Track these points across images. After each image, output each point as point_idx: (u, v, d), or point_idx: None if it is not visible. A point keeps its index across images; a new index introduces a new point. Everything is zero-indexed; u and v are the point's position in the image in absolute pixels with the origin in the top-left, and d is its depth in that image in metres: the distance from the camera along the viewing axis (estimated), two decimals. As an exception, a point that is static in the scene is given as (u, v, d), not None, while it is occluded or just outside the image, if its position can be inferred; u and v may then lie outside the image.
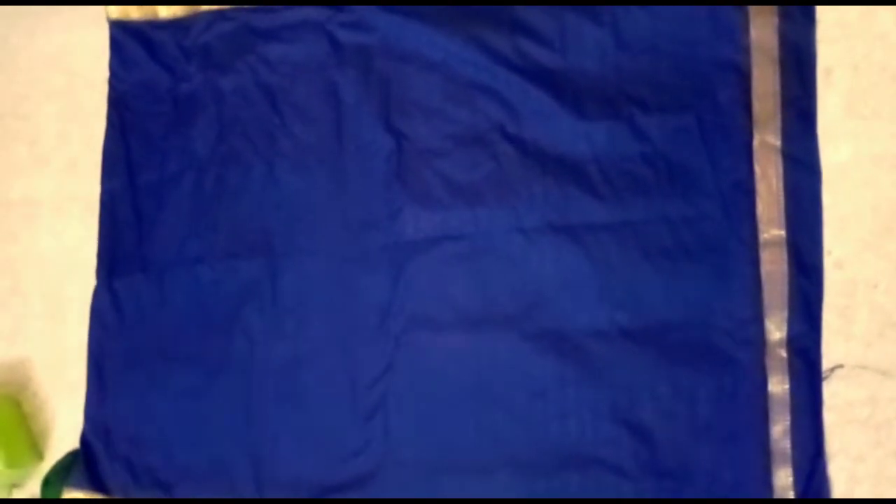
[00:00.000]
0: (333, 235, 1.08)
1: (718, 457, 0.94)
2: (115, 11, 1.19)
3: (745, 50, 0.97)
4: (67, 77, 1.23)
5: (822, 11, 0.96)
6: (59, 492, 1.09)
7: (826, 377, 0.94)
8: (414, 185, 1.06)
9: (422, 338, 1.03)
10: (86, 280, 1.14)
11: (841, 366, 0.94)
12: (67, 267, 1.20)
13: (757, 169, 0.96)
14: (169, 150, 1.15)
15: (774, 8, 0.97)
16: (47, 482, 1.09)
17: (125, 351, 1.13)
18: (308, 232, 1.09)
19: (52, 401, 1.19)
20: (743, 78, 0.97)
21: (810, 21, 0.96)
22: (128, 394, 1.12)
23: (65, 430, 1.16)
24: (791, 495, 0.93)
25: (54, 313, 1.20)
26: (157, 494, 1.09)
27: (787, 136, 0.96)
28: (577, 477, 0.98)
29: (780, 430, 0.93)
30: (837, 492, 0.94)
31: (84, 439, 1.12)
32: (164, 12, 1.18)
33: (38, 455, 1.17)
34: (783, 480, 0.93)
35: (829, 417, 0.93)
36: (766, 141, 0.96)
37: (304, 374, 1.07)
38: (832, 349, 0.94)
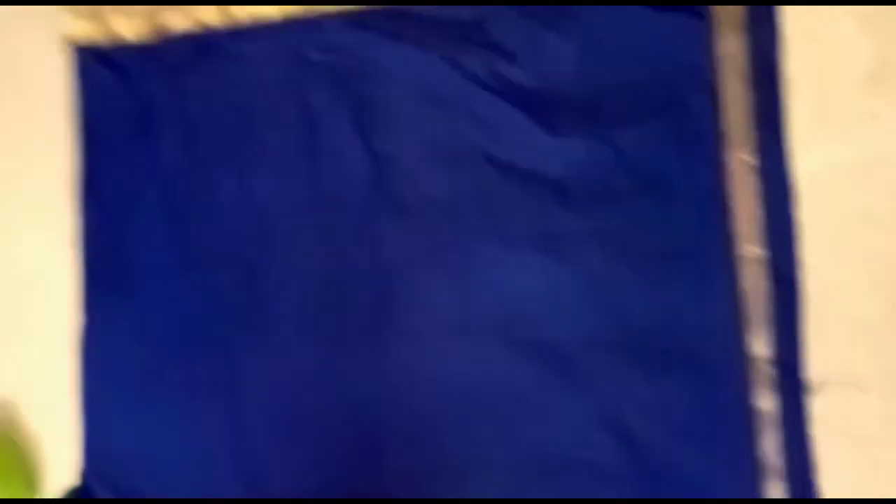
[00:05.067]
0: (311, 254, 1.07)
1: (706, 467, 0.96)
2: (76, 31, 1.17)
3: (714, 62, 0.99)
4: (31, 98, 1.21)
5: (787, 23, 0.98)
6: None
7: (812, 391, 0.95)
8: (393, 202, 1.06)
9: (407, 348, 1.04)
10: (60, 304, 1.13)
11: (822, 381, 0.96)
12: (40, 292, 1.18)
13: (733, 186, 0.97)
14: (136, 167, 1.14)
15: (740, 19, 0.98)
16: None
17: (112, 377, 1.11)
18: (285, 244, 1.08)
19: (46, 433, 1.17)
20: (713, 92, 0.98)
21: (776, 31, 0.98)
22: (111, 414, 1.11)
23: (60, 462, 1.14)
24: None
25: (42, 343, 1.17)
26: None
27: (759, 151, 0.97)
28: (564, 480, 0.99)
29: (771, 445, 0.95)
30: None
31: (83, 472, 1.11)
32: (128, 33, 1.16)
33: (33, 488, 1.15)
34: (777, 495, 0.95)
35: (814, 431, 0.95)
36: (740, 157, 0.97)
37: (289, 386, 1.06)
38: (811, 361, 0.95)
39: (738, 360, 0.96)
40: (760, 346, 0.96)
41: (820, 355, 0.96)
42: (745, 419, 0.96)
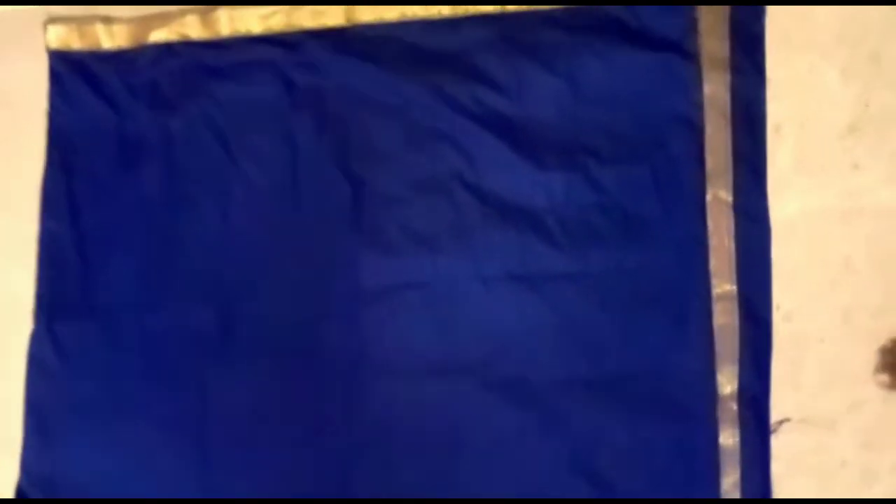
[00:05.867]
0: (290, 282, 1.05)
1: None
2: (55, 41, 1.15)
3: (699, 104, 0.99)
4: (4, 110, 1.18)
5: (771, 69, 0.99)
6: None
7: (774, 430, 0.96)
8: (372, 231, 1.04)
9: (383, 385, 1.02)
10: (20, 325, 1.09)
11: (788, 419, 0.97)
12: (8, 313, 1.13)
13: (710, 224, 0.98)
14: (115, 192, 1.10)
15: (727, 64, 0.99)
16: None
17: (69, 400, 1.07)
18: (263, 278, 1.06)
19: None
20: (696, 132, 0.99)
21: (761, 78, 0.99)
22: (73, 444, 1.07)
23: (6, 486, 1.10)
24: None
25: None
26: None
27: (738, 191, 0.98)
28: None
29: (730, 482, 0.96)
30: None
31: (20, 491, 1.07)
32: (108, 44, 1.14)
33: None
34: None
35: (777, 468, 0.96)
36: (719, 196, 0.98)
37: (261, 425, 1.04)
38: (780, 401, 0.96)
39: (712, 401, 0.97)
40: (727, 382, 0.97)
41: (793, 397, 0.97)
42: (715, 460, 0.96)
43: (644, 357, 0.98)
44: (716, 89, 0.99)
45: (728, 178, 0.98)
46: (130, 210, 1.10)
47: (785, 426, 0.97)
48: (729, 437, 0.96)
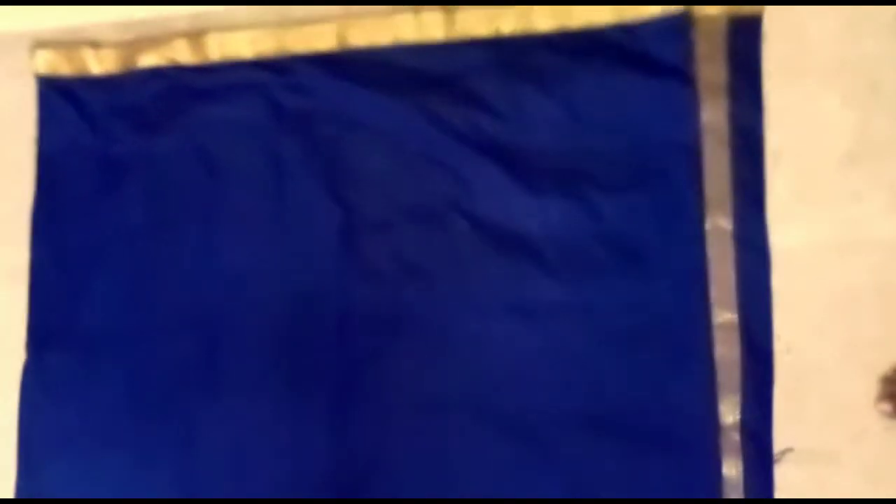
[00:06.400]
0: (277, 311, 1.03)
1: None
2: (43, 66, 1.13)
3: (697, 132, 0.98)
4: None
5: (769, 97, 0.97)
6: None
7: (778, 460, 0.95)
8: (362, 259, 1.03)
9: (373, 420, 1.00)
10: (10, 353, 1.07)
11: (792, 448, 0.95)
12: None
13: (710, 253, 0.96)
14: (99, 217, 1.09)
15: (725, 90, 0.98)
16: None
17: (55, 430, 1.06)
18: (249, 307, 1.04)
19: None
20: (695, 160, 0.97)
21: (759, 105, 0.97)
22: (59, 475, 1.05)
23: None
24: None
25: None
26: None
27: (738, 219, 0.96)
28: None
29: None
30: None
31: None
32: (96, 69, 1.12)
33: None
34: None
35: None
36: (719, 224, 0.96)
37: (249, 459, 1.02)
38: (782, 432, 0.94)
39: (713, 433, 0.95)
40: (729, 413, 0.95)
41: (794, 428, 0.95)
42: (718, 490, 0.94)
43: (643, 389, 0.96)
44: (714, 116, 0.98)
45: (728, 206, 0.97)
46: (115, 236, 1.08)
47: (787, 457, 0.95)
48: (732, 468, 0.94)
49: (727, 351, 0.96)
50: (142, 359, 1.05)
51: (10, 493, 1.06)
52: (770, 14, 0.98)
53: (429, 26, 1.05)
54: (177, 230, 1.06)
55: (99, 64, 1.12)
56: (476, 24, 1.04)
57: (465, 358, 0.99)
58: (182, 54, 1.10)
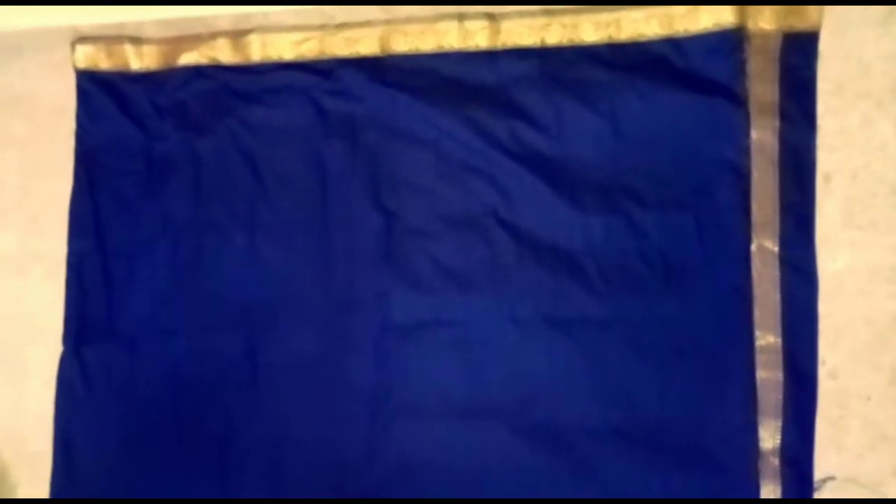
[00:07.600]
0: (317, 313, 1.03)
1: None
2: (83, 60, 1.12)
3: (746, 151, 0.96)
4: (30, 127, 1.15)
5: (822, 118, 0.96)
6: None
7: (818, 488, 0.93)
8: (403, 266, 1.02)
9: (409, 426, 1.00)
10: (48, 345, 1.07)
11: (833, 477, 0.94)
12: (29, 331, 1.12)
13: (754, 274, 0.95)
14: (142, 213, 1.09)
15: (776, 109, 0.96)
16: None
17: (94, 423, 1.06)
18: (290, 308, 1.04)
19: (14, 471, 1.11)
20: (742, 179, 0.96)
21: (811, 126, 0.96)
22: (98, 468, 1.06)
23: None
24: None
25: (14, 380, 1.12)
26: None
27: (785, 242, 0.95)
28: None
29: None
30: None
31: None
32: (136, 65, 1.11)
33: None
34: None
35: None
36: (764, 246, 0.95)
37: (285, 456, 1.02)
38: (824, 459, 0.93)
39: (752, 455, 0.93)
40: (769, 437, 0.94)
41: (837, 456, 0.94)
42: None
43: (680, 408, 0.95)
44: (764, 136, 0.96)
45: (775, 227, 0.95)
46: (156, 232, 1.08)
47: (828, 485, 0.93)
48: (770, 493, 0.93)
49: (769, 374, 0.94)
50: (181, 355, 1.05)
51: (45, 483, 1.07)
52: (826, 33, 0.96)
53: (473, 35, 1.04)
54: (220, 230, 1.06)
55: (139, 60, 1.11)
56: (521, 33, 1.03)
57: (502, 367, 0.99)
58: (224, 54, 1.09)
